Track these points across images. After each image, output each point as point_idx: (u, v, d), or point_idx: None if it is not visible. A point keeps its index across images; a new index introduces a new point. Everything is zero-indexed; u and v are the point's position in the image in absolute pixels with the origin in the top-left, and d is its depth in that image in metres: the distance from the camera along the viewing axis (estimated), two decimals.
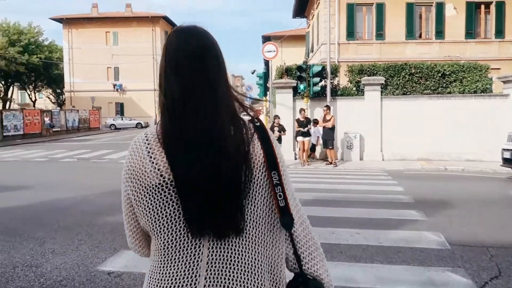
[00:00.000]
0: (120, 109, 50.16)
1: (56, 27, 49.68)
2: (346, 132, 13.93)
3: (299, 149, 13.40)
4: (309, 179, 10.09)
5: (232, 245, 1.08)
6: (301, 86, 13.71)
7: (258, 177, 1.11)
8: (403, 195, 8.00)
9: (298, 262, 1.18)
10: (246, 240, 1.10)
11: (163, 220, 1.09)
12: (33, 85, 55.86)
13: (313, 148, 14.02)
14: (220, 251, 1.08)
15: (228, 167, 1.05)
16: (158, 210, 1.09)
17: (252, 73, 18.28)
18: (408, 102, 13.95)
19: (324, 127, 13.04)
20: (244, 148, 1.09)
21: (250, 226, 1.10)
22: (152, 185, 1.08)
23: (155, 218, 1.09)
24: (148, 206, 1.10)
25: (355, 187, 8.96)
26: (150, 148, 1.10)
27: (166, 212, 1.08)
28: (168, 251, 1.09)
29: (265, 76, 15.88)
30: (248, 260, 1.09)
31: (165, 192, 1.07)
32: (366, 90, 14.10)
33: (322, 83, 14.39)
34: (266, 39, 45.53)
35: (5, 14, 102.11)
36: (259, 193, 1.11)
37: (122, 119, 45.92)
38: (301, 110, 13.18)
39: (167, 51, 1.13)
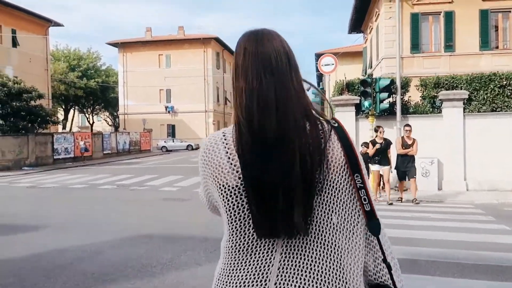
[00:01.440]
0: (171, 131, 50.03)
1: (114, 52, 50.81)
2: (421, 157, 11.67)
3: (372, 182, 10.76)
4: (392, 223, 7.96)
5: (306, 251, 1.05)
6: (366, 103, 11.71)
7: (337, 179, 1.07)
8: None
9: (389, 270, 1.12)
10: (320, 246, 1.05)
11: (237, 223, 1.08)
12: (91, 108, 57.65)
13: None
14: (293, 257, 1.05)
15: (302, 166, 1.01)
16: (233, 211, 1.08)
17: (307, 90, 16.15)
18: (498, 120, 11.51)
19: (405, 155, 10.01)
20: (320, 147, 1.05)
21: (326, 232, 1.06)
22: (229, 186, 1.07)
23: (230, 219, 1.09)
24: (225, 205, 1.09)
25: (454, 235, 6.50)
26: (228, 148, 1.09)
27: (240, 216, 1.07)
28: (240, 254, 1.08)
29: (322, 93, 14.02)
30: (321, 268, 1.05)
31: (241, 194, 1.06)
32: (444, 106, 11.84)
33: (390, 99, 12.30)
34: (319, 56, 43.81)
35: (67, 41, 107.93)
36: (337, 196, 1.07)
37: (173, 141, 45.55)
38: (378, 128, 10.33)
39: (240, 53, 1.11)
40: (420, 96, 12.71)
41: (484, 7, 21.93)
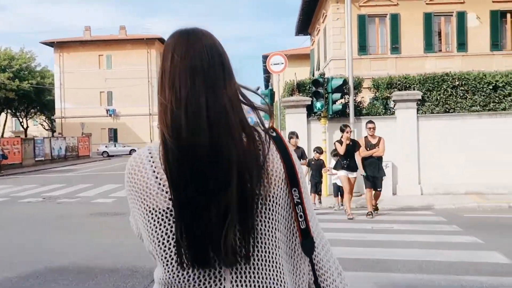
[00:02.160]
0: (113, 135, 47.54)
1: (50, 53, 47.53)
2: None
3: (337, 190, 9.72)
4: (350, 238, 7.09)
5: (256, 277, 0.96)
6: (318, 104, 10.98)
7: (278, 194, 0.98)
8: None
9: None
10: (270, 269, 0.97)
11: (172, 251, 0.94)
12: (25, 112, 53.74)
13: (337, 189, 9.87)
14: (245, 283, 0.95)
15: (240, 183, 0.92)
16: (165, 237, 0.95)
17: (256, 90, 15.30)
18: (451, 122, 11.19)
19: (370, 157, 8.71)
20: (259, 161, 0.96)
21: (273, 252, 0.98)
22: (160, 209, 0.95)
23: (162, 246, 0.96)
24: (154, 232, 0.96)
25: (425, 253, 5.67)
26: (155, 167, 0.97)
27: (173, 241, 0.94)
28: (180, 284, 0.95)
29: (271, 94, 13.19)
30: None
31: (174, 218, 0.93)
32: (397, 108, 11.38)
33: (343, 100, 11.68)
34: (266, 59, 43.30)
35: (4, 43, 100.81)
36: (278, 212, 0.98)
37: (115, 146, 43.27)
38: (345, 127, 8.83)
39: (167, 57, 0.98)
40: (372, 98, 12.21)
41: (428, 10, 22.18)
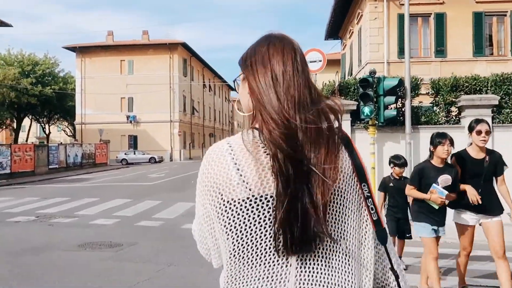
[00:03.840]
0: (133, 143, 46.16)
1: (73, 58, 46.87)
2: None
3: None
4: None
5: (321, 264, 1.02)
6: (366, 110, 8.84)
7: (347, 189, 1.06)
8: None
9: (397, 278, 1.13)
10: (335, 258, 1.03)
11: (248, 238, 1.02)
12: (47, 118, 53.19)
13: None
14: (309, 272, 1.01)
15: (320, 179, 0.99)
16: (242, 226, 1.02)
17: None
18: None
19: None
20: (335, 158, 1.03)
21: (339, 242, 1.03)
22: (239, 199, 1.02)
23: (239, 235, 1.03)
24: (231, 223, 1.03)
25: None
26: (236, 159, 1.03)
27: (252, 230, 1.02)
28: (252, 271, 1.03)
29: None
30: (338, 281, 1.02)
31: (252, 207, 1.02)
32: (466, 115, 9.13)
33: (397, 104, 9.51)
34: None
35: (26, 48, 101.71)
36: (347, 206, 1.06)
37: (134, 153, 41.79)
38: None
39: (262, 61, 1.09)
40: (431, 103, 9.98)
41: (478, 9, 19.79)
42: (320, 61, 10.56)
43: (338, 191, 1.04)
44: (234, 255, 1.04)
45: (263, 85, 1.06)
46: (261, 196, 1.00)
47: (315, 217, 0.97)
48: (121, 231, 8.60)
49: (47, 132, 54.90)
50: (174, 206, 12.19)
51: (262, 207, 1.00)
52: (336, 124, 1.08)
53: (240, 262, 1.03)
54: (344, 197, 1.05)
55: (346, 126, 9.48)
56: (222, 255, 1.10)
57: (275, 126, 0.99)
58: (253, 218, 1.01)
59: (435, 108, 9.88)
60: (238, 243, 1.03)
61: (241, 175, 1.01)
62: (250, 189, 1.01)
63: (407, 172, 6.64)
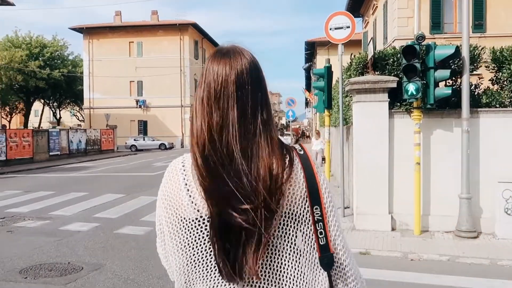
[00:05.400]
0: (143, 128, 44.49)
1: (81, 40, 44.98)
2: (504, 181, 6.82)
3: None
4: None
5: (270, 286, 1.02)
6: (411, 87, 6.71)
7: (298, 212, 1.04)
8: None
9: None
10: (285, 281, 1.02)
11: (199, 256, 1.03)
12: (57, 102, 51.93)
13: None
14: None
15: (264, 202, 0.98)
16: (195, 244, 1.03)
17: (307, 69, 11.46)
18: None
19: None
20: (282, 180, 1.01)
21: (288, 265, 1.03)
22: (189, 219, 1.03)
23: (189, 255, 1.04)
24: (182, 241, 1.05)
25: None
26: (187, 180, 1.05)
27: (202, 248, 1.03)
28: (203, 286, 1.03)
29: (328, 73, 8.98)
30: None
31: (201, 227, 1.02)
32: None
33: (447, 82, 7.36)
34: (310, 46, 38.84)
35: (34, 30, 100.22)
36: (299, 229, 1.04)
37: (144, 139, 40.08)
38: None
39: (205, 78, 1.07)
40: (490, 80, 7.78)
41: None
42: (348, 27, 8.42)
43: (291, 213, 1.03)
44: (185, 272, 1.05)
45: (196, 107, 1.06)
46: (208, 217, 1.01)
47: (254, 247, 0.98)
48: (92, 244, 6.71)
49: (57, 116, 53.78)
50: None
51: (209, 227, 1.01)
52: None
53: (191, 279, 1.04)
54: (297, 220, 1.04)
55: (380, 109, 7.39)
56: (173, 272, 1.11)
57: (197, 154, 1.02)
58: (203, 237, 1.02)
59: (494, 86, 7.70)
60: (190, 260, 1.04)
61: (190, 196, 1.03)
62: (198, 210, 1.02)
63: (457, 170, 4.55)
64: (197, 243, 1.02)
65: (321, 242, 1.05)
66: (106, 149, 32.80)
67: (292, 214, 1.03)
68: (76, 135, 28.86)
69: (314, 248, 1.05)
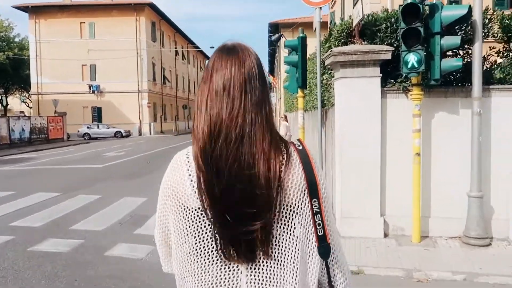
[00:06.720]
0: (97, 115, 41.66)
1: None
2: None
3: None
4: None
5: (270, 272, 1.07)
6: (411, 58, 5.26)
7: (296, 204, 1.09)
8: None
9: None
10: (284, 268, 1.07)
11: (201, 244, 1.07)
12: (3, 88, 48.08)
13: None
14: (259, 278, 1.06)
15: (263, 193, 1.02)
16: (196, 233, 1.07)
17: (276, 40, 9.98)
18: None
19: None
20: (280, 174, 1.05)
21: (288, 255, 1.08)
22: (192, 207, 1.07)
23: (193, 241, 1.08)
24: (186, 228, 1.09)
25: None
26: (191, 171, 1.08)
27: (204, 237, 1.07)
28: (205, 275, 1.07)
29: (302, 44, 7.43)
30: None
31: (203, 216, 1.06)
32: None
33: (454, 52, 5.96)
34: (274, 28, 37.16)
35: None
36: (297, 220, 1.09)
37: (98, 127, 37.47)
38: None
39: (212, 72, 1.09)
40: (498, 52, 6.42)
41: None
42: None
43: (289, 205, 1.07)
44: (190, 259, 1.08)
45: (197, 105, 1.09)
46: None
47: (259, 231, 1.02)
48: None
49: (4, 104, 49.96)
50: (115, 204, 8.55)
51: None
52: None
53: (194, 267, 1.08)
54: (294, 211, 1.08)
55: (371, 87, 5.91)
56: (174, 262, 1.14)
57: (197, 148, 1.05)
58: (205, 226, 1.06)
59: (503, 60, 6.37)
60: (195, 246, 1.07)
61: (193, 186, 1.06)
62: (200, 200, 1.05)
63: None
64: (199, 231, 1.06)
65: (319, 233, 1.10)
66: (54, 138, 30.11)
67: (290, 206, 1.07)
68: (18, 123, 26.10)
69: (312, 238, 1.11)
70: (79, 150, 24.03)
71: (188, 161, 1.09)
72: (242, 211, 1.01)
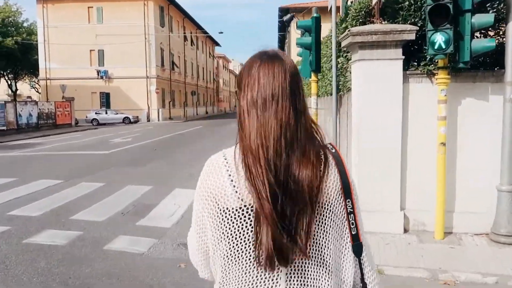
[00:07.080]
0: (105, 100, 41.44)
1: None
2: None
3: None
4: None
5: (308, 274, 1.09)
6: (438, 39, 4.76)
7: (333, 204, 1.12)
8: None
9: (364, 287, 1.20)
10: (321, 268, 1.10)
11: (242, 245, 1.08)
12: (13, 73, 47.86)
13: None
14: (297, 277, 1.08)
15: (305, 195, 1.05)
16: (237, 234, 1.08)
17: (288, 21, 9.26)
18: None
19: None
20: (321, 178, 1.08)
21: (324, 253, 1.10)
22: (232, 208, 1.08)
23: (234, 242, 1.08)
24: (226, 230, 1.09)
25: None
26: (230, 172, 1.09)
27: (244, 237, 1.07)
28: (245, 276, 1.08)
29: (317, 25, 6.94)
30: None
31: (244, 216, 1.07)
32: None
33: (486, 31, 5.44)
34: (285, 12, 36.36)
35: None
36: (332, 220, 1.12)
37: (106, 113, 37.24)
38: None
39: (254, 80, 1.10)
40: None
41: None
42: None
43: (327, 205, 1.10)
44: (229, 262, 1.10)
45: (245, 111, 1.10)
46: (251, 206, 1.06)
47: (300, 231, 1.04)
48: None
49: (13, 89, 49.85)
50: (118, 193, 8.20)
51: (252, 216, 1.05)
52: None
53: (234, 269, 1.09)
54: (332, 211, 1.11)
55: (394, 70, 5.42)
56: (214, 265, 1.16)
57: (252, 162, 1.05)
58: (245, 226, 1.07)
59: None
60: (233, 249, 1.08)
61: (234, 186, 1.07)
62: (242, 199, 1.06)
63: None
64: (239, 232, 1.07)
65: (353, 232, 1.15)
66: (62, 124, 29.91)
67: (328, 206, 1.11)
68: (25, 108, 25.90)
69: (346, 237, 1.15)
70: (86, 136, 23.78)
71: (227, 163, 1.11)
72: (286, 210, 1.03)
